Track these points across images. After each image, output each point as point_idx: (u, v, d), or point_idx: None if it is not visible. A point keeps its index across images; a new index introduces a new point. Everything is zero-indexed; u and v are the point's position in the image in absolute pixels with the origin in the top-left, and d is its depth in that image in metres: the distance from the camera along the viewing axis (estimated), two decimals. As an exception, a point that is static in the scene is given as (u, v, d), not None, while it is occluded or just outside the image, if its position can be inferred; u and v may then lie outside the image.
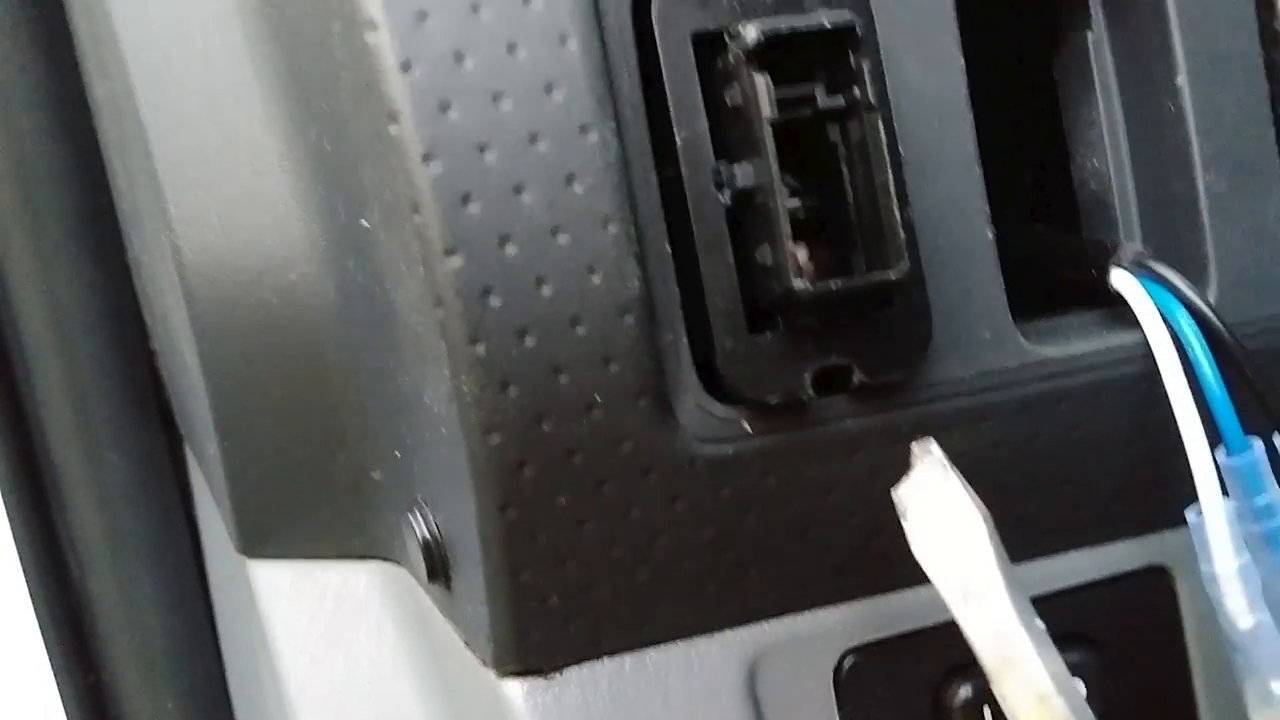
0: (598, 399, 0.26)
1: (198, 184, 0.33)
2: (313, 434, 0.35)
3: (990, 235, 0.29)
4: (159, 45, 0.33)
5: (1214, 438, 0.29)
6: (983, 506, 0.27)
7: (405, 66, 0.25)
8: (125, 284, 0.52)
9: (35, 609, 0.56)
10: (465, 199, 0.25)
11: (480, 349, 0.26)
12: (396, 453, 0.33)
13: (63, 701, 0.57)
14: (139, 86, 0.34)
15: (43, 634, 0.56)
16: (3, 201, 0.50)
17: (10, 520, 0.55)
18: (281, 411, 0.35)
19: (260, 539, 0.38)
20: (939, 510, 0.27)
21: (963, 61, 0.29)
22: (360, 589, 0.38)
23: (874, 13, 0.28)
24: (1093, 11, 0.32)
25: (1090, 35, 0.32)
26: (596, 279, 0.26)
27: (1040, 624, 0.27)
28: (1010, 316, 0.29)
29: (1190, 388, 0.29)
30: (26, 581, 0.55)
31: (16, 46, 0.48)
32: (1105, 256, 0.31)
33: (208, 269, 0.33)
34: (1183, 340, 0.30)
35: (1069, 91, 0.33)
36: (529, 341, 0.26)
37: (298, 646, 0.39)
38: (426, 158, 0.25)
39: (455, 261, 0.25)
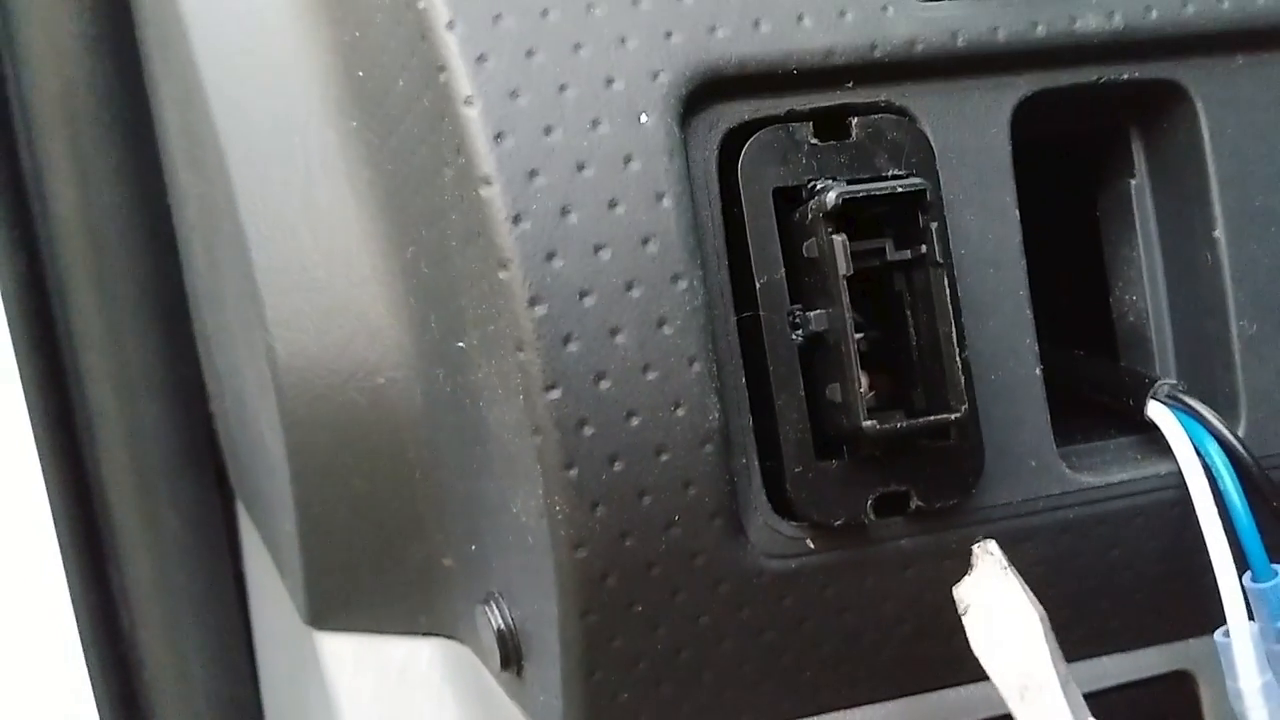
0: (677, 518, 0.29)
1: (294, 290, 0.36)
2: (388, 522, 0.37)
3: (1039, 373, 0.31)
4: (263, 157, 0.36)
5: (1241, 563, 0.32)
6: (1039, 606, 0.29)
7: (516, 219, 0.28)
8: (189, 350, 0.54)
9: (86, 657, 0.58)
10: (566, 339, 0.28)
11: (573, 473, 0.28)
12: (472, 546, 0.35)
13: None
14: (241, 194, 0.36)
15: (92, 682, 0.58)
16: (77, 267, 0.53)
17: (66, 571, 0.57)
18: (360, 500, 0.37)
19: (329, 613, 0.41)
20: (998, 608, 0.29)
21: (1018, 214, 0.31)
22: (423, 664, 0.40)
23: (939, 170, 0.31)
24: (1136, 161, 0.34)
25: (1133, 183, 0.34)
26: (681, 412, 0.28)
27: None
28: (1054, 447, 0.32)
29: (1219, 515, 0.32)
30: (79, 630, 0.57)
31: (100, 126, 0.51)
32: (1142, 388, 0.33)
33: (300, 368, 0.36)
34: (1213, 470, 0.32)
35: (1111, 231, 0.35)
36: (618, 467, 0.28)
37: (361, 716, 0.41)
38: (533, 301, 0.28)
39: (554, 395, 0.28)
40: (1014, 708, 0.29)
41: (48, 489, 0.56)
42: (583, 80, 0.28)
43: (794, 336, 0.29)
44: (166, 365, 0.54)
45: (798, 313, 0.29)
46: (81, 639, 0.57)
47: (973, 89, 0.31)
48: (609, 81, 0.29)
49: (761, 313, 0.29)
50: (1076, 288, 0.37)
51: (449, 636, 0.39)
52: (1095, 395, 0.35)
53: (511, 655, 0.33)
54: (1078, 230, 0.37)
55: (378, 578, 0.38)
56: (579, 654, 0.30)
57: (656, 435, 0.28)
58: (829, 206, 0.28)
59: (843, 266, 0.28)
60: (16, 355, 0.54)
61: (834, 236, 0.28)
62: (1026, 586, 0.30)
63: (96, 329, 0.53)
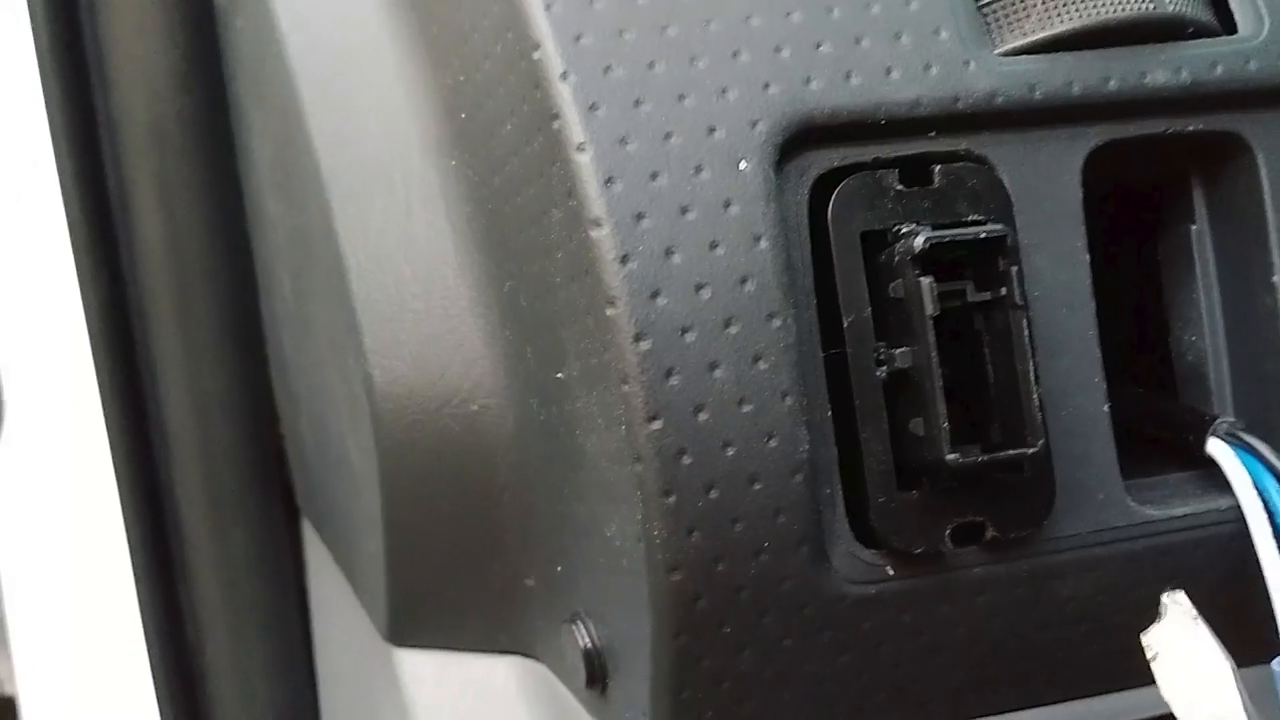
0: (766, 545, 0.30)
1: (392, 320, 0.37)
2: (473, 543, 0.39)
3: (1106, 409, 0.33)
4: (364, 192, 0.38)
5: (1298, 596, 0.33)
6: (1228, 654, 0.31)
7: (624, 259, 0.29)
8: (262, 373, 0.56)
9: (152, 669, 0.59)
10: (668, 373, 0.29)
11: (671, 500, 0.30)
12: (558, 567, 0.37)
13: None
14: (341, 227, 0.38)
15: (157, 696, 0.59)
16: (159, 291, 0.55)
17: (137, 584, 0.59)
18: (448, 522, 0.39)
19: (411, 630, 0.42)
20: (1187, 655, 0.31)
21: (1089, 257, 0.33)
22: (500, 681, 0.42)
23: (1015, 216, 0.32)
24: (1197, 208, 0.36)
25: (1194, 228, 0.36)
26: (773, 443, 0.30)
27: None
28: (1121, 481, 0.33)
29: (1278, 549, 0.33)
30: (147, 644, 0.59)
31: (187, 157, 0.53)
32: (1202, 426, 0.35)
33: (396, 395, 0.38)
34: (1271, 505, 0.33)
35: (1172, 274, 0.37)
36: (713, 495, 0.30)
37: (439, 730, 0.43)
38: (638, 338, 0.29)
39: (656, 425, 0.29)
40: None
41: (122, 504, 0.57)
42: (687, 129, 0.30)
43: (879, 373, 0.31)
44: (240, 387, 0.56)
45: (882, 350, 0.31)
46: (149, 650, 0.59)
47: (1047, 139, 0.33)
48: (711, 130, 0.30)
49: (849, 349, 0.31)
50: (1138, 328, 0.39)
51: (526, 655, 0.41)
52: (1156, 432, 0.36)
53: (597, 673, 0.35)
54: (1140, 273, 0.38)
55: (460, 597, 0.40)
56: (669, 673, 0.31)
57: (750, 465, 0.30)
58: (917, 250, 0.30)
59: (929, 307, 0.30)
60: (97, 375, 0.56)
61: (921, 278, 0.30)
62: (1216, 636, 0.31)
63: (175, 351, 0.55)
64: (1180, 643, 0.31)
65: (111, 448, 0.56)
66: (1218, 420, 0.35)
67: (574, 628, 0.35)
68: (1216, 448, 0.35)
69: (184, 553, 0.58)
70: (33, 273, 0.55)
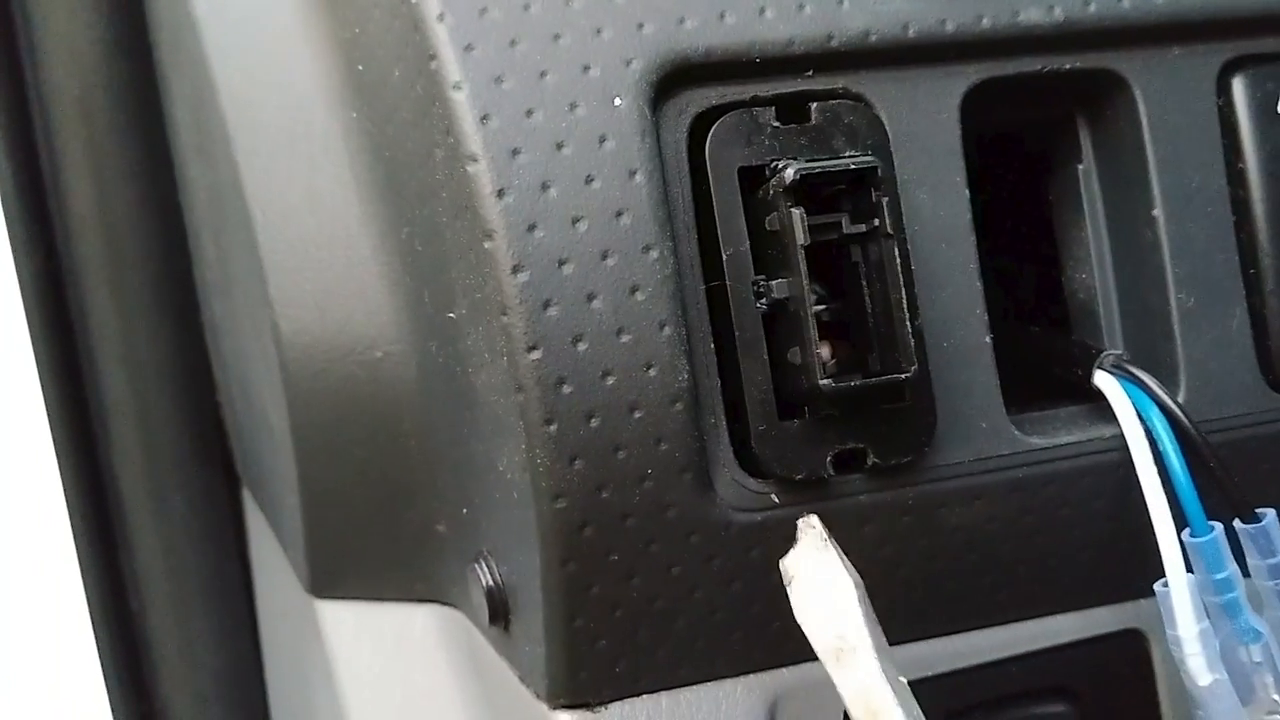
0: (649, 472, 0.31)
1: (297, 271, 0.38)
2: (385, 491, 0.39)
3: (988, 340, 0.34)
4: (269, 146, 0.39)
5: (1180, 520, 0.34)
6: (855, 573, 0.31)
7: (500, 193, 0.30)
8: (198, 341, 0.57)
9: (96, 640, 0.60)
10: (546, 304, 0.30)
11: (553, 428, 0.30)
12: (464, 510, 0.37)
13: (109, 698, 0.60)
14: (248, 181, 0.39)
15: (102, 663, 0.60)
16: (92, 262, 0.55)
17: (79, 556, 0.59)
18: (359, 471, 0.39)
19: (330, 582, 0.43)
20: (818, 578, 0.31)
21: (968, 192, 0.34)
22: (418, 629, 0.42)
23: (893, 151, 0.33)
24: (1083, 147, 0.37)
25: (1081, 168, 0.37)
26: (653, 373, 0.31)
27: (904, 680, 0.31)
28: (1004, 410, 0.34)
29: (1160, 476, 0.34)
30: (90, 613, 0.60)
31: (116, 127, 0.53)
32: (1090, 359, 0.36)
33: (302, 345, 0.38)
34: (1155, 434, 0.34)
35: (1061, 213, 0.38)
36: (594, 423, 0.30)
37: (360, 679, 0.44)
38: (515, 269, 0.30)
39: (535, 355, 0.30)
40: (831, 671, 0.30)
41: (61, 476, 0.58)
42: (561, 67, 0.31)
43: (758, 305, 0.32)
44: (177, 356, 0.57)
45: (761, 282, 0.32)
46: (92, 619, 0.60)
47: (924, 77, 0.34)
48: (585, 68, 0.31)
49: (728, 282, 0.32)
50: (1035, 269, 0.40)
51: (442, 602, 0.41)
52: (1047, 366, 0.37)
53: (499, 610, 0.36)
54: (1035, 215, 0.39)
55: (375, 546, 0.41)
56: (560, 601, 0.32)
57: (630, 394, 0.30)
58: (788, 181, 0.30)
59: (801, 237, 0.30)
60: (34, 346, 0.56)
61: (793, 210, 0.30)
62: (845, 557, 0.31)
63: (111, 321, 0.56)
64: (812, 566, 0.31)
65: (49, 419, 0.57)
66: (1104, 353, 0.36)
67: (477, 567, 0.36)
68: (1103, 379, 0.35)
69: (124, 522, 0.59)
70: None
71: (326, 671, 0.45)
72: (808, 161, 0.31)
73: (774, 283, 0.31)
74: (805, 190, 0.31)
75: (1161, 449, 0.34)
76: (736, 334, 0.32)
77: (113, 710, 0.60)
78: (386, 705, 0.43)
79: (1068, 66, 0.35)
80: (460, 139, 0.30)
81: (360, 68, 0.37)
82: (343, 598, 0.43)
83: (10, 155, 0.54)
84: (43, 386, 0.57)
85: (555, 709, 0.34)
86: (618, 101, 0.31)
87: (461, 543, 0.38)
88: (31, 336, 0.56)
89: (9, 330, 0.56)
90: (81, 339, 0.57)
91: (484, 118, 0.30)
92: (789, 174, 0.30)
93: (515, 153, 0.30)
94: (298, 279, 0.38)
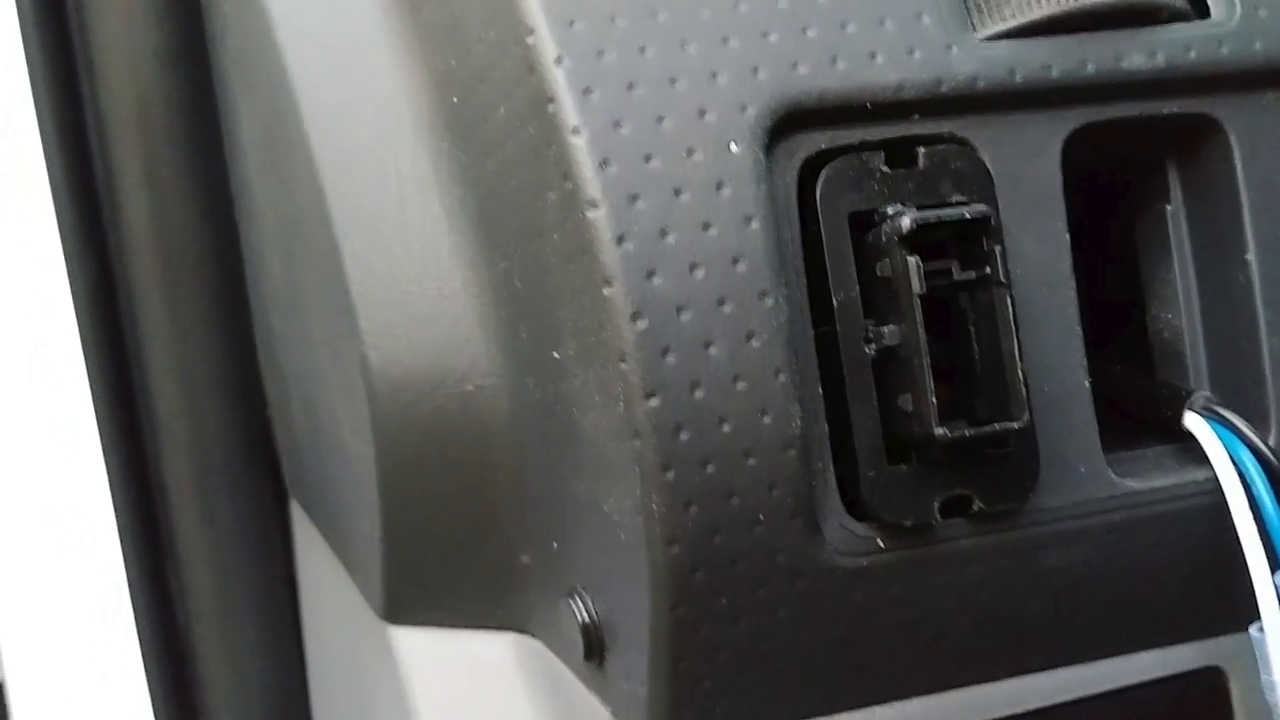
0: (761, 518, 0.31)
1: (387, 302, 0.38)
2: (469, 521, 0.39)
3: (1088, 385, 0.34)
4: (357, 176, 0.38)
5: (1273, 562, 0.34)
6: None
7: (620, 240, 0.30)
8: (250, 355, 0.56)
9: (143, 653, 0.60)
10: (664, 351, 0.30)
11: (670, 475, 0.30)
12: (554, 543, 0.37)
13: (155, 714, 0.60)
14: (336, 211, 0.39)
15: (147, 677, 0.60)
16: (147, 276, 0.55)
17: (126, 568, 0.59)
18: (445, 502, 0.39)
19: (406, 608, 0.43)
20: None
21: (1069, 237, 0.34)
22: (495, 656, 0.43)
23: (997, 195, 0.33)
24: (1172, 188, 0.37)
25: (1169, 208, 0.37)
26: (767, 419, 0.31)
27: None
28: (1102, 454, 0.34)
29: (1254, 519, 0.34)
30: (137, 626, 0.60)
31: (173, 139, 0.53)
32: (1179, 400, 0.36)
33: (392, 377, 0.38)
34: (1247, 476, 0.35)
35: (1148, 252, 0.38)
36: (710, 469, 0.31)
37: (435, 704, 0.44)
38: (635, 316, 0.30)
39: (654, 402, 0.30)
40: None
41: (111, 488, 0.58)
42: (678, 111, 0.31)
43: (868, 350, 0.32)
44: (229, 369, 0.57)
45: (870, 328, 0.32)
46: (139, 632, 0.60)
47: (1028, 121, 0.34)
48: (702, 113, 0.31)
49: (839, 327, 0.32)
50: (1114, 306, 0.40)
51: (521, 630, 0.41)
52: (1134, 407, 0.37)
53: (595, 646, 0.36)
54: (1115, 252, 0.39)
55: (455, 574, 0.41)
56: (667, 644, 0.32)
57: (745, 440, 0.31)
58: (904, 230, 0.31)
59: (917, 286, 0.30)
60: (85, 358, 0.56)
61: (908, 258, 0.31)
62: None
63: (163, 334, 0.56)
64: None
65: (100, 432, 0.57)
66: (1194, 394, 0.36)
67: (572, 602, 0.36)
68: (1193, 421, 0.36)
69: (173, 535, 0.59)
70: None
71: (398, 695, 0.45)
72: (922, 210, 0.31)
73: (885, 329, 0.31)
74: (916, 237, 0.31)
75: (1255, 491, 0.34)
76: (846, 380, 0.32)
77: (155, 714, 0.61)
78: (462, 731, 0.43)
79: (1165, 111, 0.35)
80: (580, 184, 0.30)
81: (455, 100, 0.36)
82: (417, 624, 0.44)
83: (65, 167, 0.54)
84: (94, 398, 0.57)
85: (652, 746, 0.34)
86: (733, 147, 0.31)
87: (549, 575, 0.38)
88: (84, 348, 0.56)
89: (62, 341, 0.56)
90: (134, 351, 0.57)
91: (603, 163, 0.30)
92: (905, 223, 0.31)
93: (634, 199, 0.30)
94: (388, 311, 0.38)
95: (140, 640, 0.60)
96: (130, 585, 0.59)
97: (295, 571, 0.61)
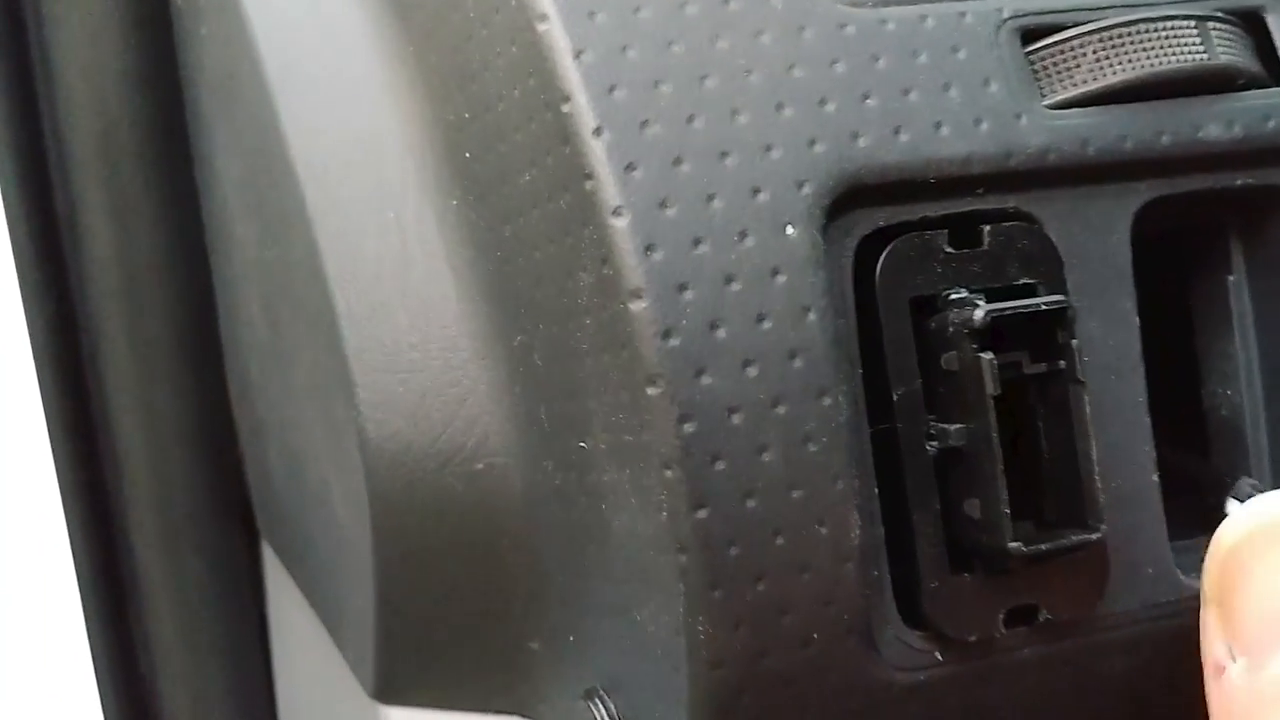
0: (815, 636, 0.28)
1: (388, 371, 0.35)
2: (474, 607, 0.36)
3: (1156, 479, 0.32)
4: (356, 231, 0.35)
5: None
6: None
7: (666, 334, 0.27)
8: (220, 393, 0.53)
9: (103, 703, 0.56)
10: (715, 458, 0.27)
11: (718, 594, 0.28)
12: (570, 637, 0.34)
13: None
14: (332, 269, 0.35)
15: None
16: (110, 309, 0.51)
17: (85, 615, 0.56)
18: (447, 585, 0.36)
19: (400, 691, 0.40)
20: None
21: (1138, 321, 0.31)
22: (494, 741, 0.40)
23: (1066, 278, 0.30)
24: (1234, 259, 0.34)
25: (1231, 279, 0.35)
26: (824, 530, 0.28)
27: None
28: (1170, 554, 0.32)
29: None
30: (97, 676, 0.56)
31: (141, 166, 0.49)
32: (1223, 487, 0.34)
33: (391, 452, 0.35)
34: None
35: (1206, 324, 0.36)
36: (761, 586, 0.28)
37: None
38: (682, 419, 0.27)
39: (702, 514, 0.27)
40: None
41: (70, 533, 0.54)
42: (729, 190, 0.28)
43: (929, 448, 0.29)
44: (197, 409, 0.53)
45: (934, 425, 0.29)
46: (99, 685, 0.56)
47: (1096, 196, 0.31)
48: (755, 191, 0.28)
49: (899, 424, 0.29)
50: (1166, 379, 0.37)
51: (526, 717, 0.38)
52: (1177, 488, 0.35)
53: (616, 751, 0.33)
54: (1170, 323, 0.37)
55: (456, 659, 0.38)
56: None
57: (801, 554, 0.28)
58: (976, 324, 0.28)
59: (990, 386, 0.28)
60: (43, 397, 0.52)
61: (981, 355, 0.28)
62: None
63: (128, 371, 0.52)
64: None
65: (58, 475, 0.53)
66: (1240, 481, 0.34)
67: (591, 705, 0.33)
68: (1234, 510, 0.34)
69: (136, 581, 0.55)
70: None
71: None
72: (991, 298, 0.29)
73: (951, 428, 0.29)
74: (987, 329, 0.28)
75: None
76: (907, 482, 0.29)
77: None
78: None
79: (1239, 182, 0.32)
80: (621, 271, 0.27)
81: (468, 155, 0.33)
82: (410, 705, 0.40)
83: (24, 194, 0.50)
84: (51, 440, 0.53)
85: None
86: (790, 230, 0.28)
87: (563, 667, 0.35)
88: (41, 386, 0.52)
89: (18, 379, 0.52)
90: (95, 388, 0.53)
91: (648, 248, 0.27)
92: (979, 316, 0.28)
93: (682, 288, 0.27)
94: (388, 381, 0.35)
95: (101, 693, 0.56)
96: (89, 635, 0.56)
97: (267, 619, 0.57)
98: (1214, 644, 0.28)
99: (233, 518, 0.55)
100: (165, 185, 0.50)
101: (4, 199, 0.49)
